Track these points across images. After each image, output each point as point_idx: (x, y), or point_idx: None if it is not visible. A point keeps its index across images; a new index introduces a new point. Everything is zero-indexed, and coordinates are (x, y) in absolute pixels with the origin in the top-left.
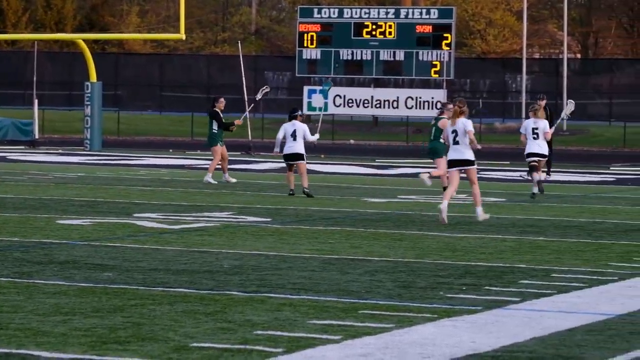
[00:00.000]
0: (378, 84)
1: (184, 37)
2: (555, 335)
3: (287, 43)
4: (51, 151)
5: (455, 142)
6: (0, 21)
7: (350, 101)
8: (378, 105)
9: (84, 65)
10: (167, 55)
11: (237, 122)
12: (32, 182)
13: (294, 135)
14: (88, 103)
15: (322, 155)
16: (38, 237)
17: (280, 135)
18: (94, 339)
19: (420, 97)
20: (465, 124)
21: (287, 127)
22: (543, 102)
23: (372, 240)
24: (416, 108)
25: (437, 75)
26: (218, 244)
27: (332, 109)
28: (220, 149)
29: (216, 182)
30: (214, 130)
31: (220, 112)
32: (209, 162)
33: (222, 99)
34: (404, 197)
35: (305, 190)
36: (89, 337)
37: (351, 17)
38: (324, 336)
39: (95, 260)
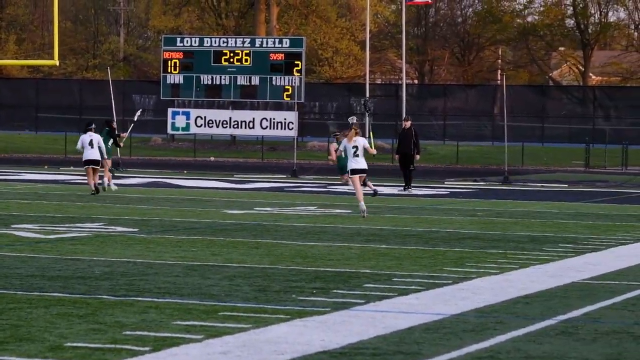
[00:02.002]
0: (236, 106)
1: (57, 63)
2: (396, 333)
3: (153, 69)
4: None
5: (356, 155)
6: None
7: (210, 122)
8: (236, 126)
9: None
10: (43, 79)
11: (123, 135)
12: None
13: (91, 144)
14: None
15: (185, 172)
16: None
17: (79, 145)
18: None
19: (274, 119)
20: (364, 142)
21: (84, 138)
22: (408, 123)
23: (231, 248)
24: (270, 128)
25: (289, 99)
26: (90, 252)
27: (193, 129)
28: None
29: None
30: (108, 146)
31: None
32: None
33: (114, 121)
34: (259, 209)
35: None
36: None
37: (211, 45)
38: (187, 336)
39: None
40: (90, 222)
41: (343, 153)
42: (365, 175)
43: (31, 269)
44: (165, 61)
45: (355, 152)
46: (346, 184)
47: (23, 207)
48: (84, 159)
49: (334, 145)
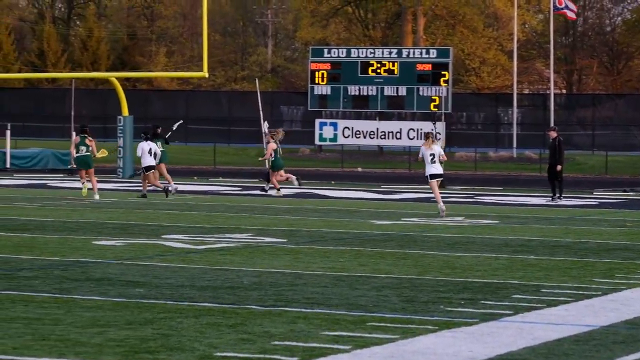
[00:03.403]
0: (383, 117)
1: (207, 75)
2: (545, 345)
3: (300, 80)
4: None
5: (433, 162)
6: (41, 61)
7: (357, 132)
8: (383, 136)
9: (116, 100)
10: (192, 91)
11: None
12: (70, 207)
13: (150, 152)
14: (121, 135)
15: (333, 182)
16: (76, 256)
17: (139, 152)
18: (127, 349)
19: (421, 129)
20: (440, 150)
21: (144, 146)
22: (553, 133)
23: (379, 258)
24: (417, 139)
25: (436, 109)
26: (239, 262)
27: (341, 140)
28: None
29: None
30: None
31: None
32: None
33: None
34: (407, 219)
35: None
36: (123, 347)
37: (358, 56)
38: (335, 346)
39: (128, 277)
40: (239, 233)
41: (420, 158)
42: (442, 179)
43: (181, 279)
44: (313, 72)
45: (432, 158)
46: (286, 182)
47: (173, 217)
48: (143, 166)
49: (272, 145)
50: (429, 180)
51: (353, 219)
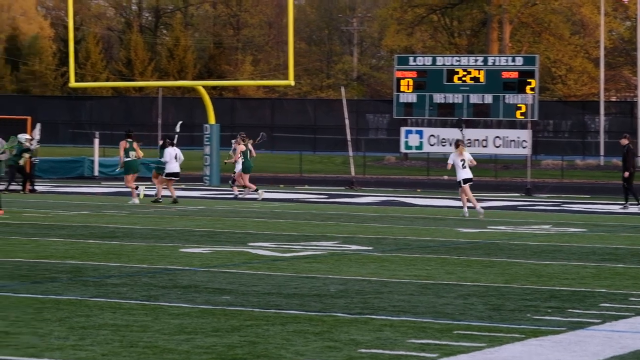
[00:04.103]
0: (468, 124)
1: (292, 83)
2: (634, 354)
3: (386, 88)
4: (175, 186)
5: (464, 167)
6: (129, 70)
7: (443, 140)
8: (469, 144)
9: (203, 109)
10: (278, 99)
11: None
12: (158, 215)
13: (176, 157)
14: (207, 143)
15: (418, 190)
16: (163, 264)
17: (166, 157)
18: (214, 356)
19: (507, 137)
20: (469, 156)
21: (170, 151)
22: (624, 141)
23: (465, 266)
24: (503, 147)
25: (522, 117)
26: (325, 270)
27: (426, 148)
28: None
29: None
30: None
31: None
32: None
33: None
34: (493, 227)
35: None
36: (210, 354)
37: (444, 64)
38: (422, 354)
39: (215, 284)
40: (325, 241)
41: (449, 166)
42: (472, 182)
43: (268, 287)
44: (398, 80)
45: (463, 164)
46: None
47: (259, 225)
48: (167, 171)
49: (241, 147)
50: (462, 185)
51: (439, 226)
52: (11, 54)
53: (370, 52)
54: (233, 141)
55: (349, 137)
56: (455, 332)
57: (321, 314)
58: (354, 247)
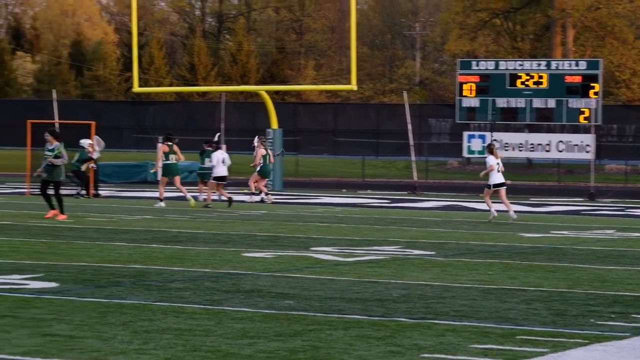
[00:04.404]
0: (531, 129)
1: (355, 87)
2: None
3: (448, 92)
4: (237, 191)
5: (498, 171)
6: (192, 75)
7: (506, 145)
8: (532, 149)
9: (266, 113)
10: (340, 104)
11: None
12: (221, 219)
13: (224, 161)
14: (270, 148)
15: (481, 195)
16: (226, 268)
17: (214, 161)
18: None
19: (570, 141)
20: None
21: (218, 155)
22: None
23: (528, 271)
24: (567, 151)
25: (585, 121)
26: (387, 275)
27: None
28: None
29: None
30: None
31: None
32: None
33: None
34: (556, 232)
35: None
36: (272, 358)
37: (506, 68)
38: (485, 359)
39: (277, 289)
40: (387, 245)
41: (491, 168)
42: (506, 186)
43: (330, 291)
44: (461, 85)
45: (498, 168)
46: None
47: (322, 230)
48: (214, 175)
49: (262, 150)
50: (492, 188)
51: (501, 231)
52: (75, 59)
53: (433, 57)
54: (255, 143)
55: (411, 141)
56: (518, 337)
57: (384, 318)
58: (416, 251)
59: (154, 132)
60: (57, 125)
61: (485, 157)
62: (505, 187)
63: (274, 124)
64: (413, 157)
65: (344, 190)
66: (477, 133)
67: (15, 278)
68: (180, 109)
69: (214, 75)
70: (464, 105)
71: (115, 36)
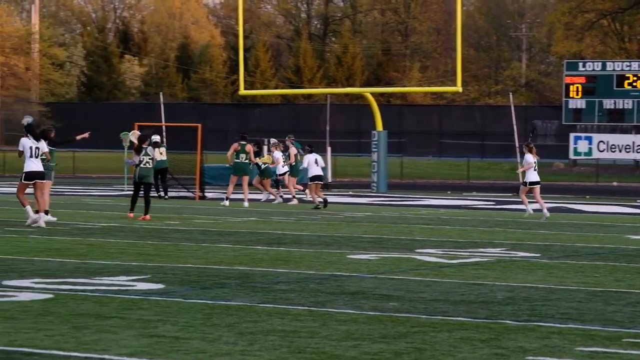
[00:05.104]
0: (639, 130)
1: (460, 89)
2: None
3: (554, 94)
4: (342, 193)
5: (535, 169)
6: (297, 77)
7: (613, 146)
8: (639, 150)
9: (371, 116)
10: (446, 106)
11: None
12: (325, 221)
13: (316, 162)
14: (375, 150)
15: (587, 196)
16: (331, 270)
17: (305, 164)
18: None
19: None
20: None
21: (310, 158)
22: None
23: (635, 274)
24: None
25: None
26: (492, 277)
27: (596, 154)
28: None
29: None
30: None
31: None
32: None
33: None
34: None
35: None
36: None
37: (614, 69)
38: None
39: (382, 291)
40: (492, 247)
41: (529, 166)
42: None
43: (435, 293)
44: (567, 86)
45: (535, 166)
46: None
47: (426, 232)
48: (309, 176)
49: (293, 150)
50: (529, 186)
51: (608, 233)
52: (182, 62)
53: (539, 58)
54: (287, 142)
55: (517, 143)
56: (625, 340)
57: (488, 321)
58: (521, 253)
59: (260, 135)
60: (163, 127)
61: (524, 155)
62: (539, 186)
63: (379, 126)
64: (519, 159)
65: (448, 192)
66: (583, 134)
67: (122, 279)
68: (285, 112)
69: (320, 78)
70: (570, 106)
71: (221, 39)
